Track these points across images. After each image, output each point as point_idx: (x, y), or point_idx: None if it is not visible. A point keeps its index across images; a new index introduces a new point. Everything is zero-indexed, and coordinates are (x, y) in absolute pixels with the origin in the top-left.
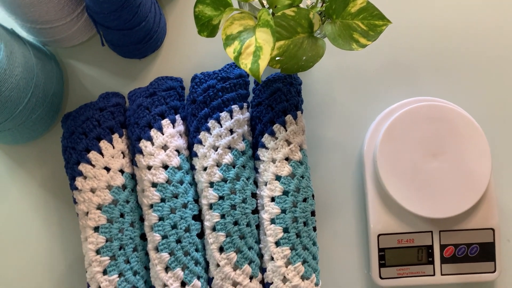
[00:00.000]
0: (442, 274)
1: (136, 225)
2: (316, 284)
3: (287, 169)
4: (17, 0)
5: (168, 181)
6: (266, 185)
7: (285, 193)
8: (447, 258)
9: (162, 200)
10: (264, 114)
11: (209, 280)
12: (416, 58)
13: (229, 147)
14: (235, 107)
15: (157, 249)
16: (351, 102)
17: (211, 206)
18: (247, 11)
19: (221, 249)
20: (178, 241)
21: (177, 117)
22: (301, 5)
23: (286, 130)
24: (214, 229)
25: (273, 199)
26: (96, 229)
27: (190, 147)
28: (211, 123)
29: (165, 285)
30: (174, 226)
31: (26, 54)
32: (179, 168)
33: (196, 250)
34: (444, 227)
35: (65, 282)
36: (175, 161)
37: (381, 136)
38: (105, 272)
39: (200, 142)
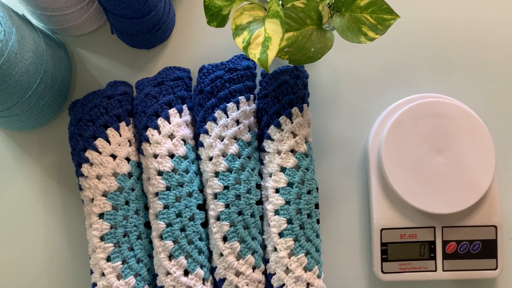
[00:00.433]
0: (443, 270)
1: (141, 213)
2: (318, 276)
3: (292, 161)
4: None
5: (173, 170)
6: (270, 176)
7: (290, 184)
8: (449, 254)
9: (168, 188)
10: (270, 106)
11: (212, 269)
12: (422, 55)
13: (235, 138)
14: (241, 98)
15: (161, 237)
16: (356, 98)
17: (215, 196)
18: (257, 1)
19: (224, 239)
20: (182, 229)
21: (184, 107)
22: None
23: (292, 122)
24: (218, 218)
25: (277, 191)
26: (101, 215)
27: (196, 137)
28: (217, 113)
29: (168, 273)
30: (178, 215)
31: (37, 40)
32: (185, 157)
33: (200, 239)
34: (447, 223)
35: (69, 268)
36: (181, 150)
37: (386, 131)
38: (108, 259)
39: (206, 132)
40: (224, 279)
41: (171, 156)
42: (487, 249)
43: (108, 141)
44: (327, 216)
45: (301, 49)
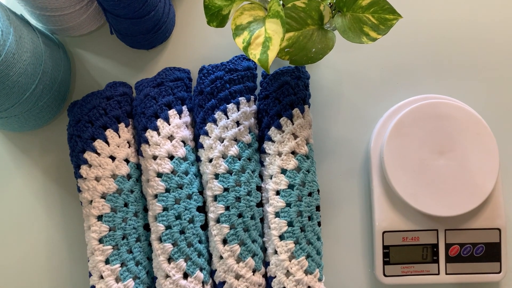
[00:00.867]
0: (446, 274)
1: (140, 215)
2: (319, 279)
3: (293, 163)
4: None
5: (173, 172)
6: (271, 178)
7: (290, 186)
8: (452, 257)
9: (167, 190)
10: (271, 107)
11: (212, 272)
12: (424, 56)
13: (235, 139)
14: (242, 99)
15: (160, 240)
16: (358, 99)
17: (215, 198)
18: (257, 1)
19: (224, 241)
20: (182, 232)
21: (184, 108)
22: None
23: (293, 124)
24: (218, 221)
25: (278, 193)
26: (99, 217)
27: (196, 138)
28: (217, 114)
29: (167, 275)
30: (178, 217)
31: (35, 40)
32: (185, 159)
33: (200, 242)
34: (449, 226)
35: (67, 270)
36: (181, 151)
37: (388, 133)
38: (107, 262)
39: (206, 134)
40: (224, 282)
41: (171, 157)
42: (491, 252)
43: (107, 143)
44: (328, 219)
45: (302, 49)
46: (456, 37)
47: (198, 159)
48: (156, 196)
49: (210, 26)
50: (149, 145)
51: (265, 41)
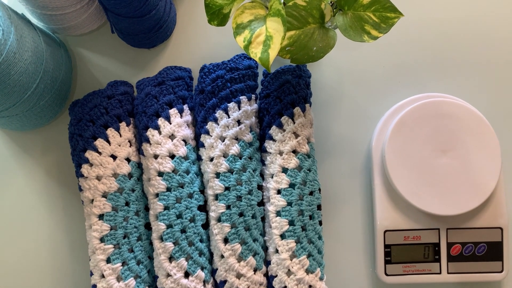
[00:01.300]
0: (448, 273)
1: (141, 214)
2: (321, 278)
3: (294, 162)
4: None
5: (174, 171)
6: (272, 177)
7: (292, 185)
8: (454, 257)
9: (168, 189)
10: (272, 106)
11: (213, 271)
12: (426, 54)
13: (236, 138)
14: (243, 98)
15: (161, 238)
16: (360, 97)
17: (216, 197)
18: (258, 0)
19: (225, 240)
20: (183, 231)
21: (185, 107)
22: None
23: (294, 123)
24: (219, 219)
25: (279, 192)
26: (100, 216)
27: (197, 137)
28: (218, 113)
29: (168, 274)
30: (179, 216)
31: (36, 40)
32: (186, 158)
33: (201, 241)
34: (451, 225)
35: (69, 269)
36: (182, 150)
37: (390, 131)
38: (108, 261)
39: (207, 133)
40: (225, 281)
41: (172, 156)
42: (493, 251)
43: (108, 142)
44: (329, 218)
45: (303, 48)
46: (459, 36)
47: (199, 158)
48: (157, 195)
49: (211, 25)
50: (150, 144)
51: (266, 40)
